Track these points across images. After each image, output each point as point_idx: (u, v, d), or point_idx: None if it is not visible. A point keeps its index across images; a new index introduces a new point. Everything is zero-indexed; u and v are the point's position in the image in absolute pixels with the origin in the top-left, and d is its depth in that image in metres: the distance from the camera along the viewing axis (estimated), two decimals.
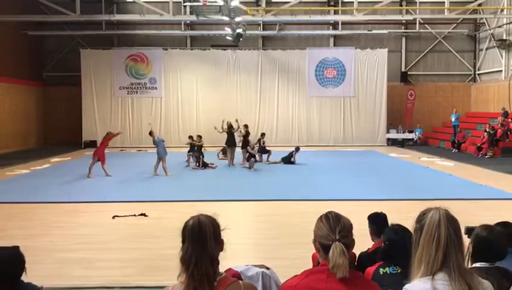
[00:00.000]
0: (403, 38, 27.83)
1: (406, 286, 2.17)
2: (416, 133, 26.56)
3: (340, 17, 25.88)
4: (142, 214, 9.63)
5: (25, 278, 3.30)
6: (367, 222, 4.53)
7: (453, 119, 24.86)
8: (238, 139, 18.31)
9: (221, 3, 18.61)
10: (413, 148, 24.56)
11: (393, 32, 27.18)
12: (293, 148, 18.98)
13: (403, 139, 26.27)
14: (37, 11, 24.23)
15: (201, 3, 20.06)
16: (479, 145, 21.35)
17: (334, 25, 27.35)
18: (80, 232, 8.41)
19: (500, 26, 24.99)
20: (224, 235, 2.35)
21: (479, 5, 24.89)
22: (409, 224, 2.47)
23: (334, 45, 27.64)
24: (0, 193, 12.28)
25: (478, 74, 27.68)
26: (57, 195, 11.91)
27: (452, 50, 27.65)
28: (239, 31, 22.52)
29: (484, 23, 26.77)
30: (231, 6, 18.69)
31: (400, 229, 3.66)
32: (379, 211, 4.62)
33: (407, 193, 11.82)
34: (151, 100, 26.44)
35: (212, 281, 2.21)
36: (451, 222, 2.14)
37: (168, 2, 23.11)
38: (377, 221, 4.44)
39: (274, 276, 3.84)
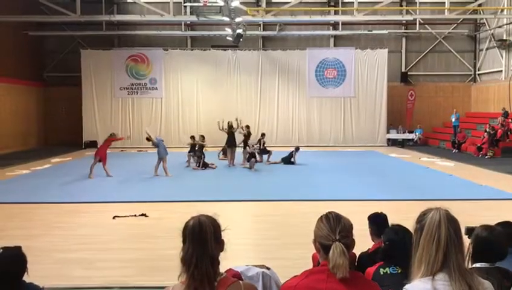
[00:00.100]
0: (403, 39, 27.83)
1: (406, 286, 2.17)
2: (417, 134, 26.55)
3: (340, 18, 25.88)
4: (142, 215, 9.63)
5: (26, 278, 3.31)
6: (367, 222, 4.53)
7: (453, 120, 24.86)
8: (240, 135, 18.32)
9: (222, 3, 18.62)
10: (414, 148, 24.56)
11: (394, 33, 27.18)
12: (293, 149, 18.99)
13: (403, 139, 26.27)
14: (38, 11, 24.24)
15: (201, 4, 20.07)
16: (479, 145, 21.35)
17: (334, 25, 27.35)
18: (80, 233, 8.41)
19: (500, 27, 24.99)
20: (225, 236, 2.35)
21: (479, 5, 24.88)
22: (409, 224, 2.47)
23: (334, 45, 27.65)
24: (0, 193, 12.28)
25: (478, 74, 27.68)
26: (57, 195, 11.92)
27: (452, 50, 27.65)
28: (239, 31, 22.53)
29: (484, 23, 26.77)
30: (231, 7, 18.70)
31: (400, 229, 3.66)
32: (379, 212, 4.62)
33: (407, 193, 11.82)
34: (152, 101, 26.45)
35: (212, 281, 2.22)
36: (451, 222, 2.15)
37: (169, 2, 23.11)
38: (377, 221, 4.44)
39: (274, 276, 3.84)
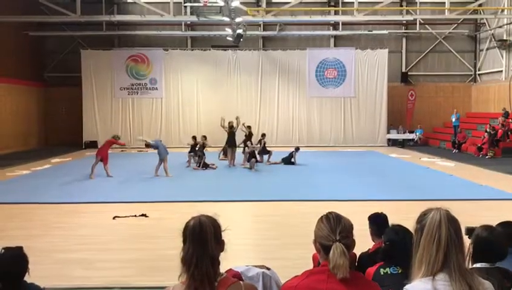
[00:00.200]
0: (404, 39, 27.83)
1: (407, 287, 2.17)
2: (417, 134, 26.55)
3: (340, 18, 25.87)
4: (142, 215, 9.63)
5: (27, 278, 3.31)
6: (367, 222, 4.53)
7: (453, 120, 24.85)
8: (240, 135, 18.34)
9: (222, 3, 18.62)
10: (414, 148, 24.56)
11: (394, 33, 27.18)
12: (293, 149, 18.98)
13: (404, 139, 26.27)
14: (38, 11, 24.23)
15: (201, 4, 20.07)
16: (479, 145, 21.34)
17: (335, 25, 27.35)
18: (81, 233, 8.41)
19: (500, 27, 24.98)
20: (225, 236, 2.35)
21: (480, 5, 24.88)
22: (410, 224, 2.47)
23: (335, 46, 27.65)
24: (0, 193, 12.28)
25: (478, 74, 27.68)
26: (57, 195, 11.92)
27: (452, 50, 27.65)
28: (239, 31, 22.53)
29: (484, 23, 26.77)
30: (231, 7, 18.70)
31: (400, 229, 3.66)
32: (380, 212, 4.62)
33: (407, 194, 11.82)
34: (152, 101, 26.45)
35: (212, 281, 2.22)
36: (451, 222, 2.14)
37: (169, 2, 23.11)
38: (378, 221, 4.44)
39: (275, 276, 3.84)
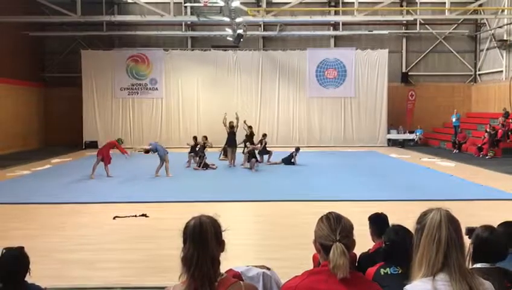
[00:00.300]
0: (404, 39, 27.83)
1: (407, 287, 2.17)
2: (417, 134, 26.55)
3: (340, 18, 25.88)
4: (143, 215, 9.63)
5: (28, 279, 3.31)
6: (368, 222, 4.53)
7: (453, 120, 24.84)
8: (240, 136, 18.37)
9: (222, 4, 18.62)
10: (414, 148, 24.55)
11: (394, 33, 27.18)
12: (293, 149, 18.99)
13: (404, 139, 26.26)
14: (38, 12, 24.23)
15: (202, 4, 20.06)
16: (479, 145, 21.34)
17: (335, 25, 27.36)
18: (81, 233, 8.41)
19: (500, 27, 24.98)
20: (225, 236, 2.35)
21: (480, 5, 24.89)
22: (410, 225, 2.47)
23: (335, 46, 27.64)
24: (1, 193, 12.29)
25: (479, 75, 27.67)
26: (57, 195, 11.92)
27: (453, 50, 27.64)
28: (239, 31, 22.54)
29: (485, 23, 26.77)
30: (232, 7, 18.71)
31: (400, 229, 3.66)
32: (380, 212, 4.62)
33: (407, 194, 11.82)
34: (152, 101, 26.45)
35: (213, 281, 2.22)
36: (452, 222, 2.14)
37: (169, 2, 23.12)
38: (378, 221, 4.44)
39: (275, 276, 3.84)
